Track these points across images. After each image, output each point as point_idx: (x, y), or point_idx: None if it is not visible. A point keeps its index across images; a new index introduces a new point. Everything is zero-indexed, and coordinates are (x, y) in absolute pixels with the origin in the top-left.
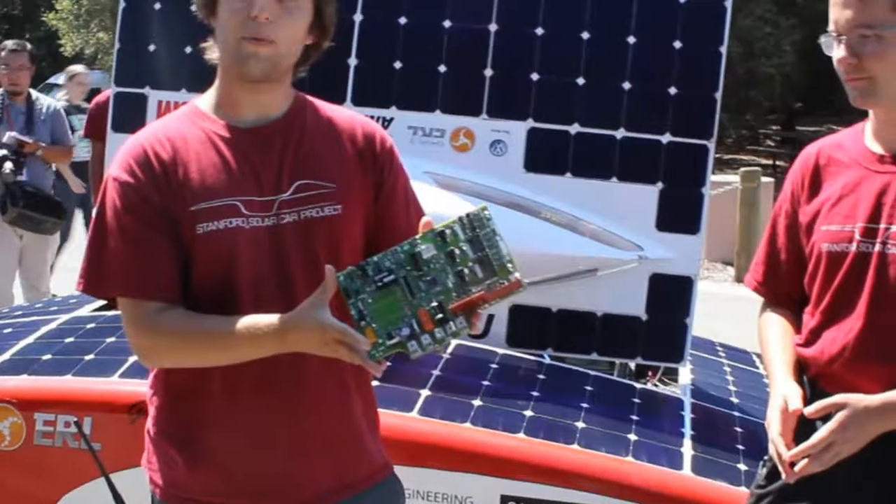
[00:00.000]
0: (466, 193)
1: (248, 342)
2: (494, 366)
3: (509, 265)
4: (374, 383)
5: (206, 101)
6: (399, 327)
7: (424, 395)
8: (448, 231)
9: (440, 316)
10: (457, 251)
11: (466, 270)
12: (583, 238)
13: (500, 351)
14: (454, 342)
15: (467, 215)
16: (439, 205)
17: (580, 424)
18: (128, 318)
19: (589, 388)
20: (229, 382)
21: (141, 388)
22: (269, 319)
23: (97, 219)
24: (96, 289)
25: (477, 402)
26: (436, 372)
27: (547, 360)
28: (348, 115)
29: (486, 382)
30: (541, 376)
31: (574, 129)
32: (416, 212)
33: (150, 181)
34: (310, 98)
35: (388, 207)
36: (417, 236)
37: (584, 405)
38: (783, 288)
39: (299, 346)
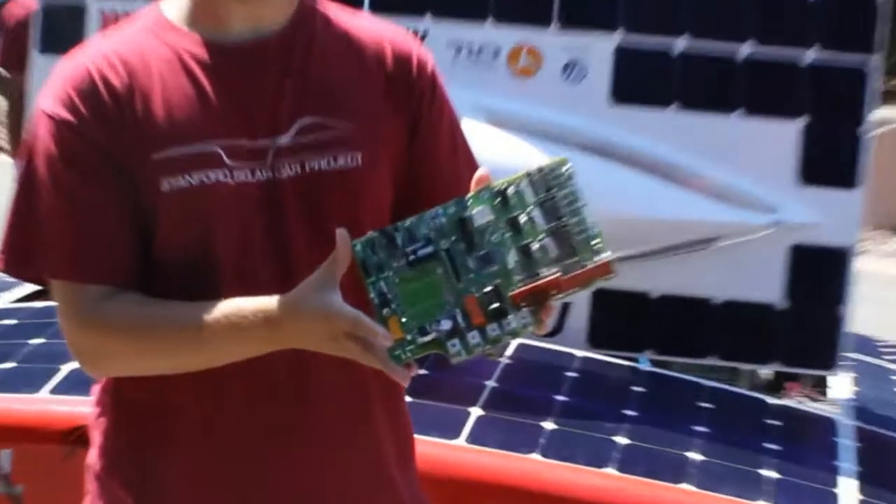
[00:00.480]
0: (530, 135)
1: (229, 336)
2: (572, 374)
3: (596, 241)
4: (408, 399)
5: (174, 8)
6: (437, 319)
7: (475, 415)
8: (512, 190)
9: (495, 306)
10: (523, 218)
11: (535, 246)
12: (694, 196)
13: (580, 354)
14: (514, 342)
15: (540, 170)
16: (493, 152)
17: (693, 456)
18: (65, 308)
19: (705, 404)
20: (204, 396)
21: (81, 407)
22: (259, 304)
23: (24, 172)
24: (21, 267)
25: (548, 426)
26: (490, 383)
27: (645, 367)
28: (374, 28)
29: (560, 398)
30: (637, 389)
31: (681, 43)
32: (468, 162)
33: (98, 118)
34: (320, 3)
35: (428, 156)
36: (468, 195)
37: (699, 429)
38: None
39: (298, 341)
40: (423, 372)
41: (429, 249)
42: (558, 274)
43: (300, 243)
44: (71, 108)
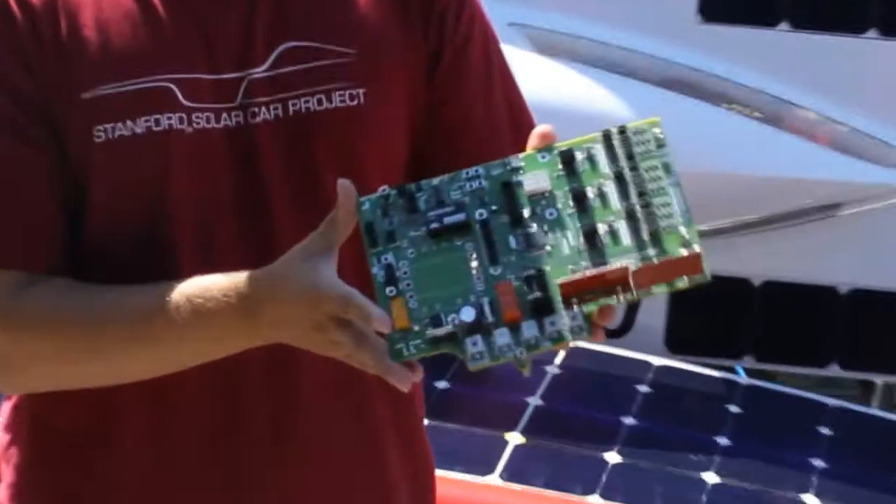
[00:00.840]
0: (589, 66)
1: (191, 327)
2: (643, 389)
3: (685, 229)
4: (426, 422)
5: None
6: (455, 307)
7: (514, 442)
8: (581, 155)
9: (536, 297)
10: (592, 192)
11: (603, 228)
12: (813, 146)
13: (655, 362)
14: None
15: (621, 131)
16: (538, 90)
17: (808, 500)
18: None
19: (825, 430)
20: (154, 416)
21: None
22: (230, 282)
23: None
24: None
25: (611, 458)
26: (533, 400)
27: (743, 379)
28: None
29: (627, 420)
30: (731, 408)
31: None
32: (514, 107)
33: (8, 43)
34: None
35: (456, 93)
36: (521, 155)
37: (816, 463)
38: None
39: (279, 332)
40: (444, 385)
41: (459, 217)
42: (631, 266)
43: (283, 210)
44: None
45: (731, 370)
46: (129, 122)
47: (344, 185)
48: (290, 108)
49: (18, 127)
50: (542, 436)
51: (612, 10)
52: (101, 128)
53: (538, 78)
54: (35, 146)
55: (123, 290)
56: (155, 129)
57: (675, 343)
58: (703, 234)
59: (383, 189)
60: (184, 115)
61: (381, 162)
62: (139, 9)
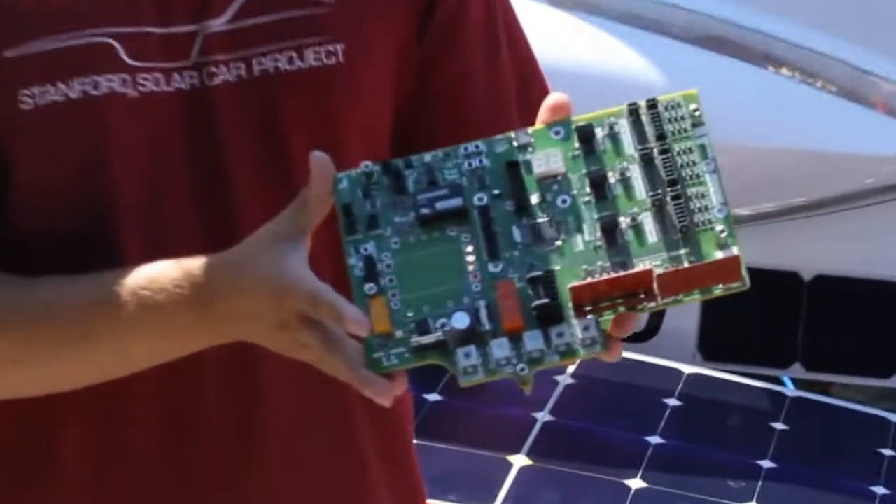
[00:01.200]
0: (613, 20)
1: (135, 324)
2: (672, 403)
3: (721, 226)
4: (416, 442)
5: None
6: (446, 310)
7: (518, 465)
8: (602, 132)
9: (542, 303)
10: (614, 177)
11: (626, 221)
12: (872, 114)
13: (687, 370)
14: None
15: (651, 105)
16: (553, 51)
17: None
18: None
19: (888, 451)
20: (99, 430)
21: None
22: (183, 269)
23: None
24: None
25: (634, 484)
26: (542, 416)
27: (791, 391)
28: None
29: (653, 439)
30: (777, 426)
31: None
32: (523, 70)
33: None
34: None
35: (453, 52)
36: (530, 129)
37: (879, 490)
38: None
39: (239, 329)
40: (436, 398)
41: (455, 203)
42: (658, 268)
43: (246, 186)
44: None
45: (777, 381)
46: (61, 86)
47: (318, 158)
48: (255, 68)
49: None
50: (551, 458)
51: None
52: (28, 92)
53: (551, 35)
54: None
55: (58, 283)
56: (93, 93)
57: (710, 349)
58: (744, 220)
59: (365, 164)
60: (127, 77)
61: (363, 132)
62: None
